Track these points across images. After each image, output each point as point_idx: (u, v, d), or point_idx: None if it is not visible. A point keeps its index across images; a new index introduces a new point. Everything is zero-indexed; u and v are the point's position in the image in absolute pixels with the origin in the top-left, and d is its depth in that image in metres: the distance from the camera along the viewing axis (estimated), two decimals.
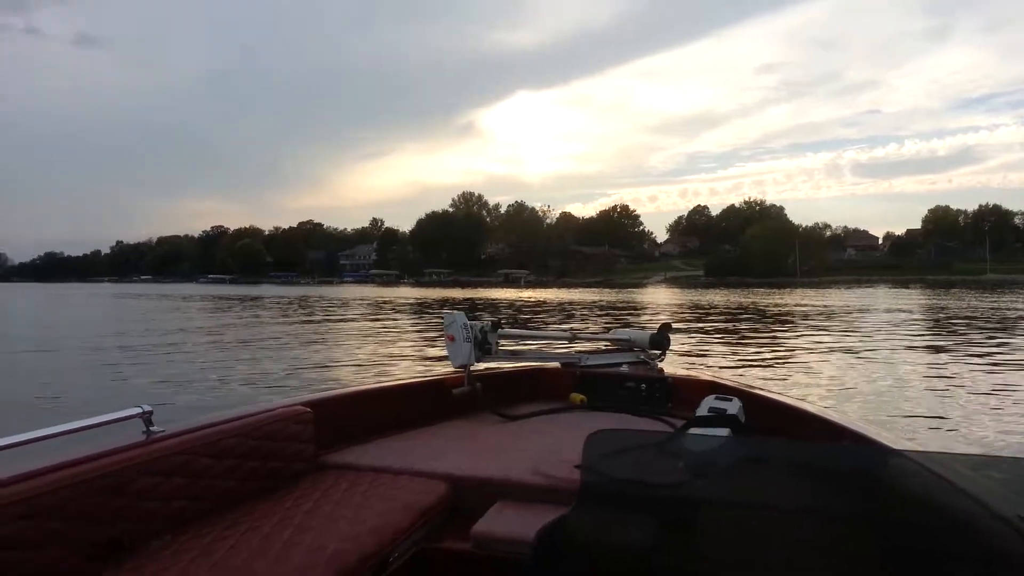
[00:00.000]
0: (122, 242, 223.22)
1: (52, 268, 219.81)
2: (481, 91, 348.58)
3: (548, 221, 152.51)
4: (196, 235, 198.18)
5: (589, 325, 22.80)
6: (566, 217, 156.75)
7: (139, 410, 2.21)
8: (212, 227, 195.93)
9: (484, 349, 3.57)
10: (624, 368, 3.96)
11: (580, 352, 4.10)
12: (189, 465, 2.21)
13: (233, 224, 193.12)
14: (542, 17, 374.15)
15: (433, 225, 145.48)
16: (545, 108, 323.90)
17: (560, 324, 24.44)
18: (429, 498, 2.37)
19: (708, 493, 1.87)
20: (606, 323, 24.40)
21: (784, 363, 12.83)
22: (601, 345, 4.36)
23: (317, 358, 13.97)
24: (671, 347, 4.14)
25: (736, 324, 23.47)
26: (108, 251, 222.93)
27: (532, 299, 48.66)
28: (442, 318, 3.65)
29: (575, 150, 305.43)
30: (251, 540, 2.02)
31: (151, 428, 2.23)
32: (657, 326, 4.20)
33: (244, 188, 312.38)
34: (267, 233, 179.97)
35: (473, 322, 3.56)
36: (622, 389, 3.76)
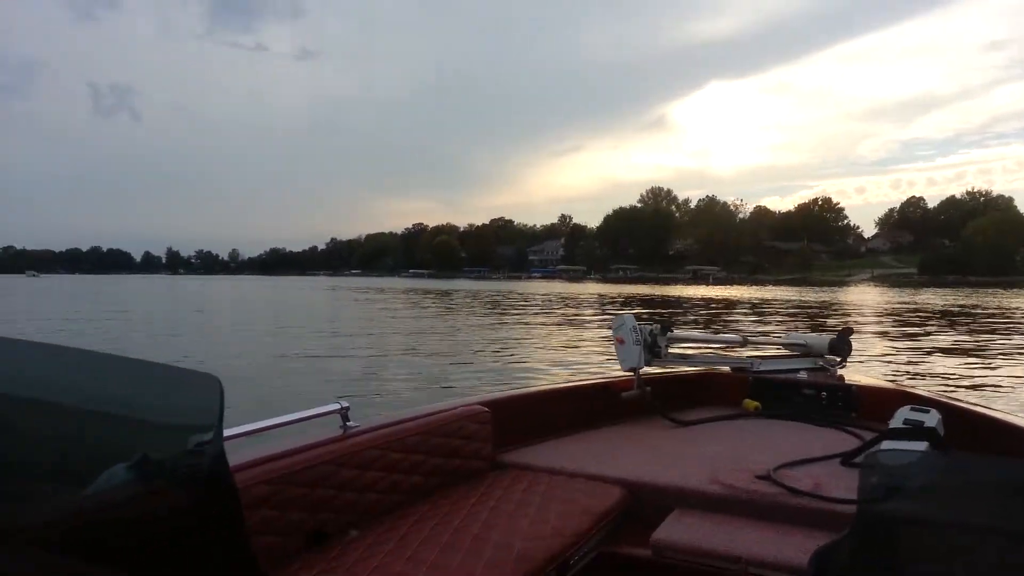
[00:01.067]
0: (336, 239, 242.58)
1: (276, 262, 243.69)
2: (672, 84, 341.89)
3: (740, 216, 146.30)
4: (399, 232, 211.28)
5: (764, 328, 21.68)
6: (760, 211, 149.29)
7: (337, 406, 2.33)
8: (413, 224, 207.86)
9: (654, 352, 3.57)
10: (801, 374, 3.80)
11: (752, 357, 3.98)
12: (382, 460, 2.32)
13: (432, 222, 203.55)
14: (737, 4, 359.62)
15: (620, 221, 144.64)
16: (739, 98, 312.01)
17: (748, 324, 23.47)
18: (606, 502, 2.39)
19: (909, 512, 1.77)
20: (797, 325, 23.10)
21: (1007, 375, 11.50)
22: (775, 350, 4.21)
23: (499, 354, 14.42)
24: (852, 353, 3.91)
25: (951, 328, 21.31)
26: (323, 247, 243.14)
27: (721, 297, 47.01)
28: (611, 320, 3.68)
29: (772, 141, 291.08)
30: (441, 535, 2.09)
31: (347, 423, 2.35)
32: (838, 330, 3.98)
33: (443, 188, 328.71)
34: (462, 230, 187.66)
35: (642, 325, 3.56)
36: (799, 396, 3.62)
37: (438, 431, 2.56)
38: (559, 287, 73.38)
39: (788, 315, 28.05)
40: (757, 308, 32.94)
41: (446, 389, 10.10)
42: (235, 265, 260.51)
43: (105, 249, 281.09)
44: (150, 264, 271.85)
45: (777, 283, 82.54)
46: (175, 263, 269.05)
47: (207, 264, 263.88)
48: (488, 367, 12.49)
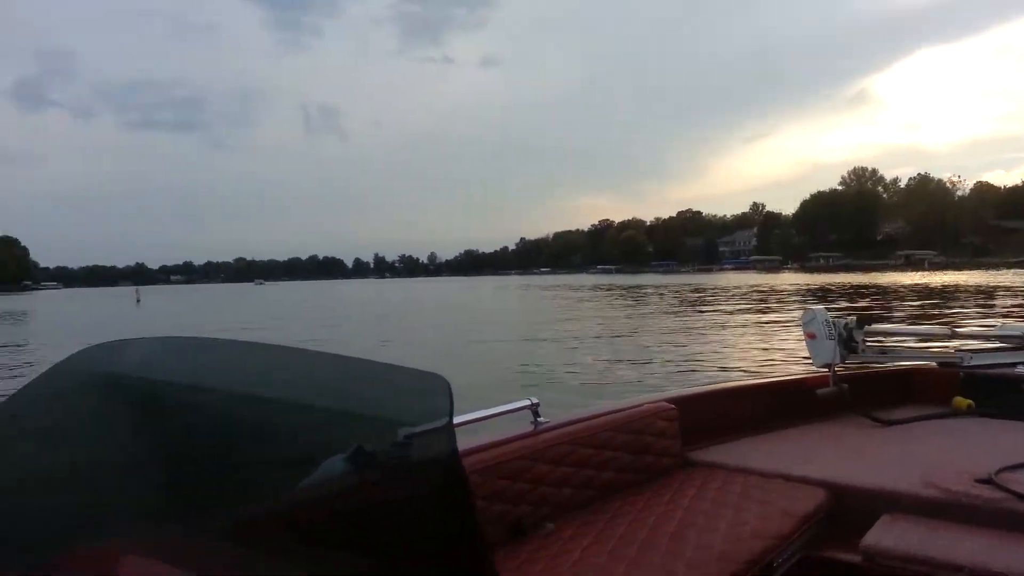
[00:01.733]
0: (525, 239, 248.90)
1: (470, 263, 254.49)
2: (871, 55, 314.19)
3: (959, 193, 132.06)
4: (586, 229, 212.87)
5: (974, 319, 19.38)
6: (982, 187, 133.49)
7: (528, 402, 2.39)
8: (600, 221, 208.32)
9: (849, 347, 3.44)
10: (1021, 369, 3.50)
11: (962, 351, 3.71)
12: (573, 456, 2.36)
13: (618, 217, 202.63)
14: None
15: (819, 206, 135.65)
16: (952, 64, 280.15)
17: (973, 315, 21.21)
18: (808, 504, 2.32)
19: None
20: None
21: None
22: (988, 343, 3.88)
23: (685, 350, 14.23)
24: None
25: None
26: (514, 247, 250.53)
27: (942, 284, 42.81)
28: (801, 314, 3.60)
29: (994, 109, 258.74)
30: (638, 532, 2.10)
31: (538, 419, 2.40)
32: None
33: (628, 183, 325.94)
34: (648, 224, 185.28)
35: (836, 318, 3.45)
36: (1019, 393, 3.33)
37: (626, 428, 2.58)
38: (753, 278, 70.43)
39: None
40: (987, 296, 29.63)
41: (632, 385, 10.18)
42: (433, 267, 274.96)
43: (321, 257, 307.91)
44: (360, 269, 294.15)
45: (1008, 266, 73.42)
46: (381, 267, 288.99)
47: (409, 267, 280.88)
48: (675, 363, 12.40)
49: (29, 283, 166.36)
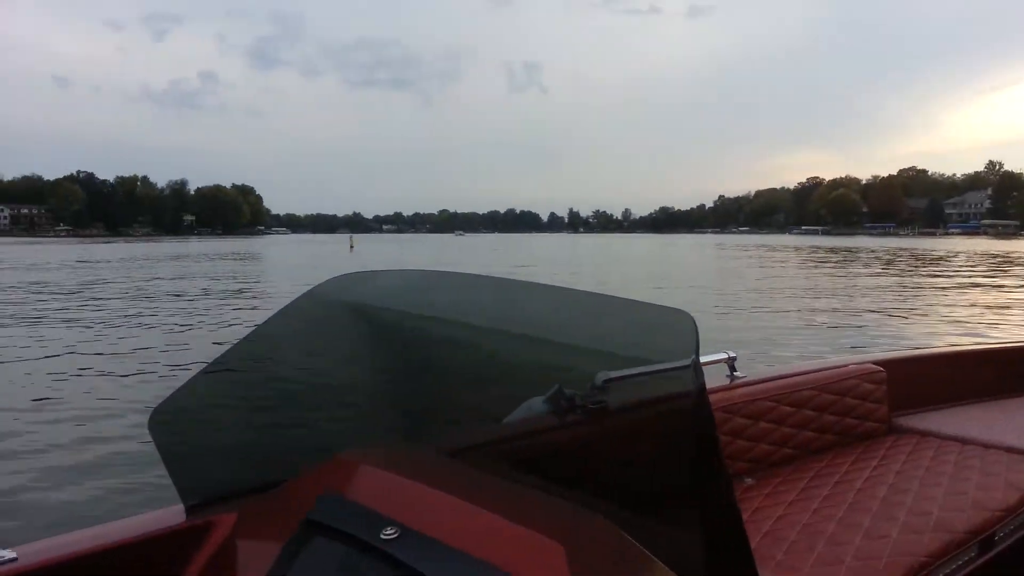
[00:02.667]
0: (724, 196, 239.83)
1: (665, 220, 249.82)
2: None
3: None
4: (791, 187, 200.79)
5: None
6: None
7: (725, 355, 2.31)
8: (807, 179, 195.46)
9: None
10: None
11: None
12: (773, 412, 2.29)
13: (828, 175, 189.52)
14: None
15: None
16: None
17: None
18: None
19: None
20: None
21: None
22: None
23: (896, 314, 13.26)
24: None
25: None
26: (711, 204, 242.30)
27: None
28: None
29: None
30: (844, 494, 2.03)
31: (734, 373, 2.34)
32: None
33: (840, 138, 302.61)
34: (863, 183, 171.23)
35: None
36: None
37: (830, 388, 2.47)
38: (985, 244, 63.19)
39: None
40: None
41: (834, 346, 9.70)
42: (627, 224, 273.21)
43: (518, 211, 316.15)
44: (554, 223, 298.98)
45: None
46: (575, 222, 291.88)
47: (602, 223, 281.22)
48: (882, 327, 11.62)
49: (262, 228, 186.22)
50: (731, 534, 0.84)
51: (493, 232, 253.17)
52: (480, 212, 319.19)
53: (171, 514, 1.22)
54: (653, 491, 2.04)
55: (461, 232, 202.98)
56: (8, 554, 1.04)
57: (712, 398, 2.10)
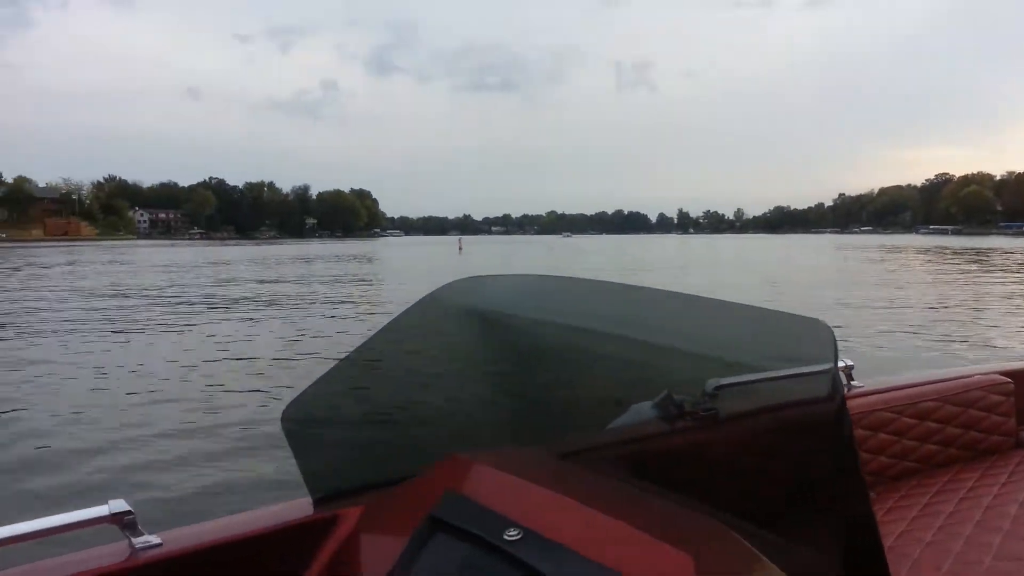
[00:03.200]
0: (844, 194, 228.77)
1: (780, 220, 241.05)
2: None
3: None
4: (918, 184, 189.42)
5: None
6: None
7: (842, 363, 2.18)
8: (935, 175, 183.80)
9: None
10: None
11: None
12: (892, 423, 2.21)
13: (958, 171, 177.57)
14: None
15: None
16: None
17: None
18: None
19: None
20: None
21: None
22: None
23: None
24: None
25: None
26: (831, 203, 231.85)
27: None
28: None
29: None
30: (971, 511, 1.94)
31: (852, 383, 2.29)
32: None
33: (971, 132, 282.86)
34: (997, 179, 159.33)
35: None
36: None
37: (953, 399, 2.35)
38: None
39: None
40: None
41: (956, 356, 9.32)
42: (740, 224, 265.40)
43: (626, 212, 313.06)
44: (663, 224, 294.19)
45: None
46: (685, 223, 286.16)
47: (713, 223, 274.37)
48: (1012, 337, 11.06)
49: (377, 230, 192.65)
50: (869, 550, 0.81)
51: (601, 233, 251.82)
52: (588, 213, 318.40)
53: (299, 506, 1.29)
54: (780, 502, 1.92)
55: (568, 234, 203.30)
56: (154, 539, 1.10)
57: (820, 408, 1.96)
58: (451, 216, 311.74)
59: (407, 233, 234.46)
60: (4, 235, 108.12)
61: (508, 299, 1.47)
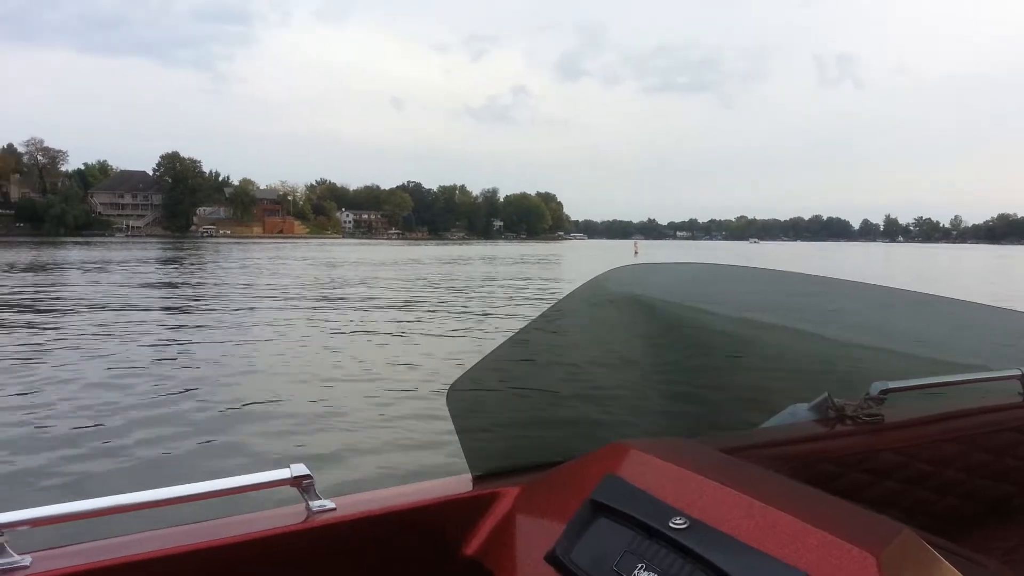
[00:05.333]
0: None
1: (1004, 229, 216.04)
2: None
3: None
4: None
5: None
6: None
7: (1019, 371, 2.00)
8: None
9: None
10: None
11: None
12: None
13: None
14: None
15: None
16: None
17: None
18: None
19: None
20: None
21: None
22: None
23: None
24: None
25: None
26: None
27: None
28: None
29: None
30: None
31: None
32: None
33: None
34: None
35: None
36: None
37: None
38: None
39: None
40: None
41: None
42: (956, 233, 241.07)
43: (824, 218, 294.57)
44: (867, 232, 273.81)
45: None
46: (893, 230, 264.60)
47: (925, 232, 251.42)
48: None
49: (561, 233, 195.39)
50: None
51: (795, 240, 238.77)
52: (781, 219, 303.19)
53: (461, 482, 1.33)
54: (963, 511, 1.76)
55: (755, 240, 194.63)
56: (329, 504, 1.16)
57: (1003, 416, 1.88)
58: (635, 220, 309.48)
59: (590, 236, 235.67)
60: (229, 231, 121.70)
61: (672, 287, 1.46)
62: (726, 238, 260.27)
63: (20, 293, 17.54)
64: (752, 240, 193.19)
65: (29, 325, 11.76)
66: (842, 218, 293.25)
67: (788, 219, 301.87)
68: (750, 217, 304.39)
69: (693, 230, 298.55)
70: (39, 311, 13.74)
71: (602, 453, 1.15)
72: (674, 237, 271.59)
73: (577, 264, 41.75)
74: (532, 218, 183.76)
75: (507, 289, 20.84)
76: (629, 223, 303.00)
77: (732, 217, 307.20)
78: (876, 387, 1.06)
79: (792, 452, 1.21)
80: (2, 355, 8.86)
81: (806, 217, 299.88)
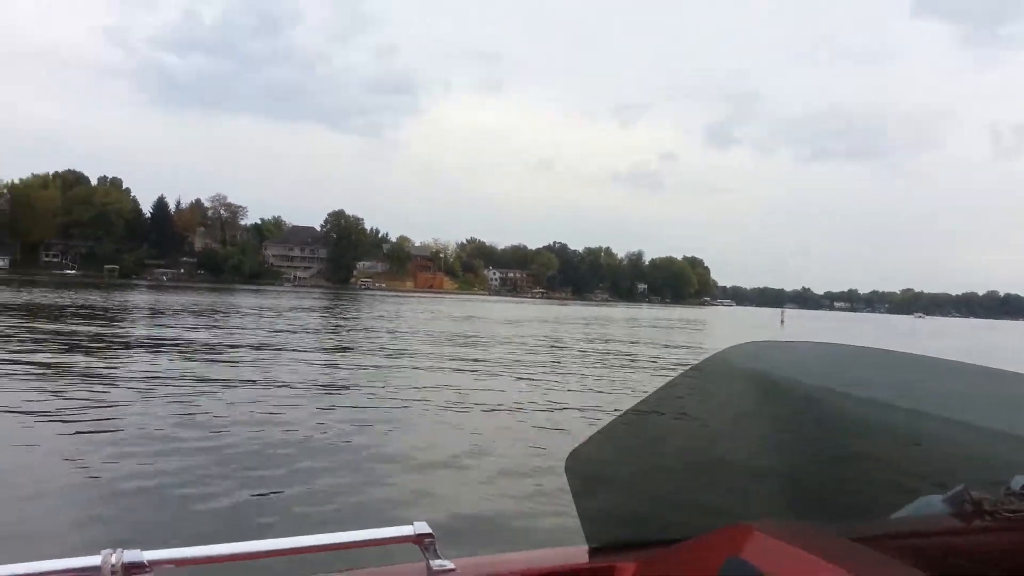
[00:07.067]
0: None
1: None
2: None
3: None
4: None
5: None
6: None
7: None
8: None
9: None
10: None
11: None
12: None
13: None
14: None
15: None
16: None
17: None
18: None
19: None
20: None
21: None
22: None
23: None
24: None
25: None
26: None
27: None
28: None
29: None
30: None
31: None
32: None
33: None
34: None
35: None
36: None
37: None
38: None
39: None
40: None
41: None
42: None
43: (1002, 293, 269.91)
44: None
45: None
46: None
47: None
48: None
49: (707, 299, 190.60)
50: None
51: (967, 317, 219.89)
52: (952, 293, 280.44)
53: (578, 553, 1.31)
54: None
55: (921, 315, 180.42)
56: (449, 564, 1.14)
57: None
58: (787, 288, 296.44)
59: (738, 303, 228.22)
60: (384, 285, 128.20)
61: (798, 366, 1.42)
62: (889, 311, 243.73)
63: (197, 330, 19.59)
64: (917, 315, 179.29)
65: (206, 360, 13.18)
66: (1022, 295, 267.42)
67: (960, 294, 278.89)
68: (917, 290, 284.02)
69: (852, 301, 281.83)
70: (214, 348, 15.35)
71: (725, 534, 1.11)
72: (831, 307, 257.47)
73: (719, 331, 40.76)
74: (677, 282, 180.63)
75: (645, 353, 20.79)
76: (781, 291, 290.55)
77: (897, 289, 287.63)
78: (1019, 481, 1.00)
79: (925, 546, 1.15)
80: (169, 386, 10.07)
81: (980, 292, 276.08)
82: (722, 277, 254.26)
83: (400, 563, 1.20)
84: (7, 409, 7.82)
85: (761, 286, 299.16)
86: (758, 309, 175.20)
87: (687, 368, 1.48)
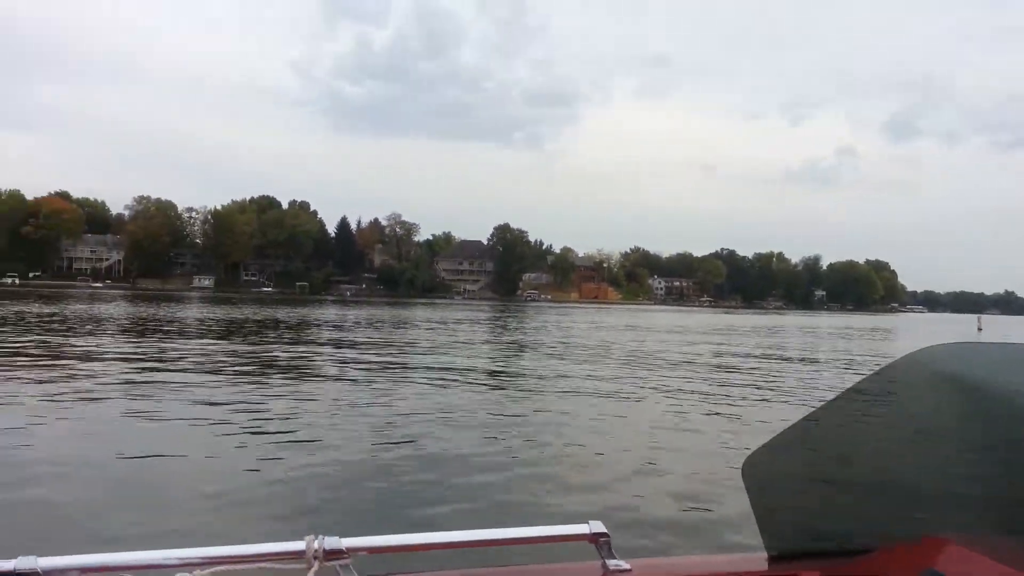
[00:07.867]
0: None
1: None
2: None
3: None
4: None
5: None
6: None
7: None
8: None
9: None
10: None
11: None
12: None
13: None
14: None
15: None
16: None
17: None
18: None
19: None
20: None
21: None
22: None
23: None
24: None
25: None
26: None
27: None
28: None
29: None
30: None
31: None
32: None
33: None
34: None
35: None
36: None
37: None
38: None
39: None
40: None
41: None
42: None
43: None
44: None
45: None
46: None
47: None
48: None
49: (895, 305, 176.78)
50: None
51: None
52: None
53: (756, 560, 1.27)
54: None
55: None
56: (624, 564, 1.13)
57: None
58: (988, 292, 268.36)
59: (931, 309, 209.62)
60: (549, 296, 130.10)
61: (1006, 369, 1.34)
62: None
63: (378, 342, 20.99)
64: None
65: (382, 367, 14.17)
66: None
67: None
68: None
69: None
70: (395, 354, 16.44)
71: (917, 546, 1.07)
72: None
73: (903, 340, 37.90)
74: (860, 288, 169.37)
75: (825, 358, 19.83)
76: (980, 295, 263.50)
77: None
78: None
79: None
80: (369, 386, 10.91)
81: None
82: (912, 281, 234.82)
83: (576, 561, 1.18)
84: (225, 404, 8.95)
85: (957, 290, 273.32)
86: (953, 315, 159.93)
87: (871, 372, 1.42)
